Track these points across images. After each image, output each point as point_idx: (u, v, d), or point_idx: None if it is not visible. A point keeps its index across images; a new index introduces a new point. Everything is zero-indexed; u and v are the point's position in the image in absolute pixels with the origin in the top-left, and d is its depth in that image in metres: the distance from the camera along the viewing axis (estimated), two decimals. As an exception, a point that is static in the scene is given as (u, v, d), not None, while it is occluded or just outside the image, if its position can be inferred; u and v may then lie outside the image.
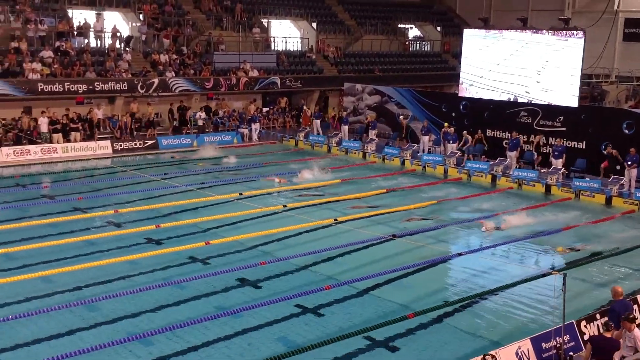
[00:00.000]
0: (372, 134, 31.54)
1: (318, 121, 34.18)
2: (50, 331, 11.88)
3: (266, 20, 42.17)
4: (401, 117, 31.68)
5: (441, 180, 26.09)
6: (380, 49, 45.14)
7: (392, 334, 12.15)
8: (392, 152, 29.30)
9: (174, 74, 33.62)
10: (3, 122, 27.59)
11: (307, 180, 23.92)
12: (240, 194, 21.60)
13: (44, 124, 28.22)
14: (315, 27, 43.24)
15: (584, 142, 25.79)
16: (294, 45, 42.54)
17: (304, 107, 36.86)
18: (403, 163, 28.41)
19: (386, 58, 44.65)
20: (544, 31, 27.59)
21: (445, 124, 29.31)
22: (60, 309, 12.65)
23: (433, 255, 16.28)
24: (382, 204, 21.43)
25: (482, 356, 10.25)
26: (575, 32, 26.53)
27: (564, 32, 26.81)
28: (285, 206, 20.42)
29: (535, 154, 26.68)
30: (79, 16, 34.71)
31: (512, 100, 27.85)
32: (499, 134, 28.18)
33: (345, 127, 32.85)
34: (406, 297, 14.06)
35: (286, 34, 42.67)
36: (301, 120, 36.56)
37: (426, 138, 29.56)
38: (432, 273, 15.58)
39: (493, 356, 10.24)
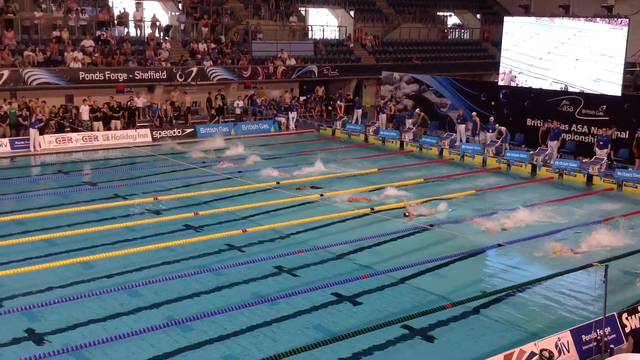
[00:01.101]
0: (409, 122, 31.30)
1: (359, 111, 33.95)
2: (91, 315, 12.09)
3: (304, 9, 42.12)
4: (417, 109, 31.33)
5: (480, 169, 25.82)
6: (419, 37, 44.74)
7: (429, 324, 12.08)
8: (430, 141, 29.06)
9: (212, 63, 33.81)
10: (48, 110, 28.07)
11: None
12: (278, 183, 21.69)
13: (85, 112, 28.67)
14: (353, 16, 43.00)
15: (627, 132, 25.21)
16: (332, 33, 42.40)
17: (338, 102, 36.57)
18: (441, 152, 28.17)
19: (424, 46, 44.24)
20: (591, 19, 27.00)
21: (474, 113, 29.02)
22: (101, 294, 12.87)
23: (471, 246, 16.13)
24: (418, 193, 21.28)
25: (519, 348, 10.15)
26: (619, 20, 25.91)
27: (612, 19, 26.18)
28: (322, 195, 20.42)
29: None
30: (119, 5, 35.10)
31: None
32: (539, 123, 27.69)
33: (383, 116, 32.66)
34: (444, 287, 13.95)
35: (324, 22, 42.56)
36: (337, 108, 36.32)
37: (462, 127, 29.21)
38: (470, 263, 15.43)
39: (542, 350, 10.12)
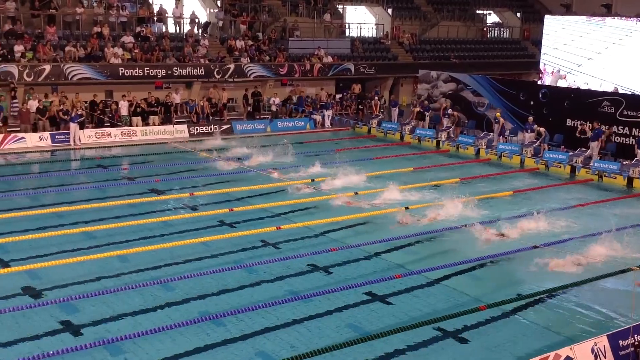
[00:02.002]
0: (446, 122, 31.05)
1: (396, 109, 33.76)
2: (126, 309, 12.25)
3: (341, 6, 42.08)
4: (450, 110, 31.02)
5: (517, 170, 25.50)
6: (457, 35, 44.36)
7: (463, 326, 11.97)
8: (467, 140, 28.79)
9: (249, 60, 33.99)
10: (86, 104, 28.53)
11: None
12: (312, 180, 21.71)
13: (124, 108, 29.06)
14: (390, 13, 42.82)
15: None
16: (369, 31, 42.30)
17: (375, 98, 36.30)
18: (478, 152, 27.90)
19: (463, 45, 43.86)
20: (633, 18, 26.46)
21: (497, 114, 28.70)
22: (136, 288, 13.03)
23: (507, 247, 15.93)
24: (454, 193, 21.08)
25: (554, 352, 9.99)
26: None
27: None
28: (356, 193, 20.36)
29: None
30: (159, 2, 35.50)
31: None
32: (577, 124, 27.21)
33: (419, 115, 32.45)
34: (478, 288, 13.81)
35: (361, 20, 42.46)
36: (372, 106, 36.04)
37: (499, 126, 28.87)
38: (505, 265, 15.24)
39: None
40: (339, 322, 12.05)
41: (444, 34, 44.02)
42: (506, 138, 28.59)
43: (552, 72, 29.14)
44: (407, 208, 18.87)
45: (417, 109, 31.89)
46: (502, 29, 48.89)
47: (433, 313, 12.35)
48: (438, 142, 29.51)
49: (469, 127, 31.49)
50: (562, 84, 28.66)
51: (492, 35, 48.08)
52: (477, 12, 47.90)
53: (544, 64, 30.26)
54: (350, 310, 12.57)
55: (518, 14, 49.19)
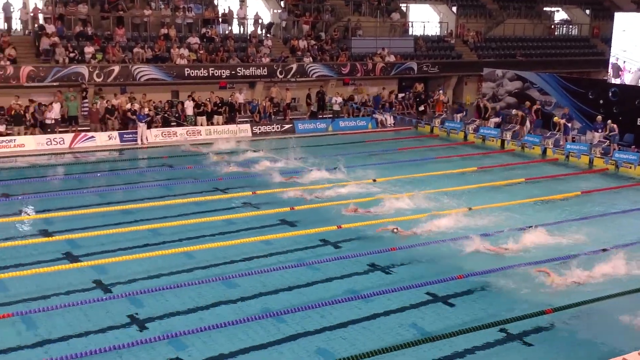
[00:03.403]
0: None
1: (460, 115, 33.25)
2: (190, 304, 12.47)
3: (405, 5, 41.79)
4: (514, 109, 30.22)
5: (586, 170, 24.80)
6: (524, 33, 43.49)
7: (528, 329, 11.72)
8: (533, 140, 28.17)
9: (311, 60, 34.14)
10: (154, 104, 29.20)
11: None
12: (374, 180, 21.64)
13: (189, 108, 29.63)
14: (455, 11, 42.31)
15: None
16: (433, 29, 41.88)
17: (438, 95, 35.88)
18: (544, 152, 27.25)
19: (529, 42, 42.98)
20: None
21: (555, 118, 27.94)
22: (200, 284, 13.27)
23: (576, 250, 15.51)
24: (520, 194, 20.70)
25: (622, 357, 9.70)
26: None
27: None
28: (418, 193, 20.17)
29: None
30: (224, 4, 36.05)
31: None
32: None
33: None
34: (543, 291, 13.46)
35: (425, 18, 42.08)
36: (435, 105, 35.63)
37: (568, 126, 28.12)
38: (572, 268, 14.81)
39: None
40: (400, 322, 11.97)
41: (509, 32, 43.20)
42: (573, 138, 27.83)
43: (630, 70, 28.13)
44: (470, 209, 18.61)
45: (520, 113, 30.50)
46: (570, 26, 47.65)
47: (496, 315, 12.13)
48: (503, 142, 28.96)
49: (535, 126, 30.79)
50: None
51: (560, 33, 46.91)
52: (545, 9, 46.82)
53: (624, 62, 29.30)
54: (411, 310, 12.48)
55: (587, 11, 47.82)
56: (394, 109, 34.33)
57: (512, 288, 13.48)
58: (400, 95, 36.90)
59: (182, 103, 30.02)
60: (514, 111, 30.63)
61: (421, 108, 34.58)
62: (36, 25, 30.20)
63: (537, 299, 12.97)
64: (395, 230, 16.52)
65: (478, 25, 42.76)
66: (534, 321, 11.95)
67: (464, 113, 33.30)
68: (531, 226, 16.93)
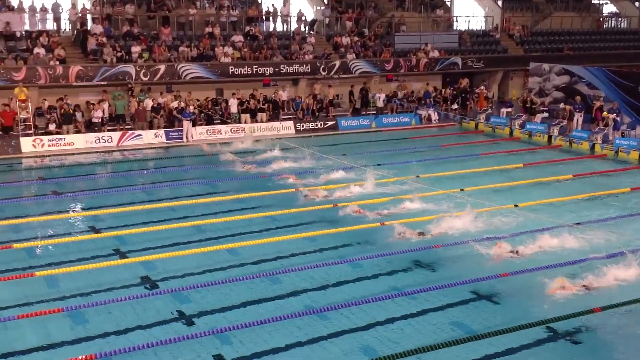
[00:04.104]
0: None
1: (506, 110, 32.77)
2: (234, 300, 12.60)
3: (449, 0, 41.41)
4: (562, 103, 29.52)
5: (635, 166, 24.22)
6: (571, 26, 42.63)
7: (575, 327, 11.52)
8: (581, 135, 27.62)
9: (354, 56, 34.09)
10: (198, 102, 29.57)
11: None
12: (418, 176, 21.51)
13: (233, 105, 29.89)
14: (500, 5, 41.74)
15: None
16: (478, 24, 41.40)
17: (480, 90, 35.38)
18: (592, 147, 26.70)
19: (577, 36, 42.09)
20: None
21: (605, 113, 27.27)
22: (245, 280, 13.39)
23: (624, 247, 15.15)
24: (566, 190, 20.34)
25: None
26: None
27: None
28: (462, 189, 20.02)
29: None
30: (268, 1, 36.29)
31: None
32: None
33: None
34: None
35: (469, 12, 41.61)
36: (477, 103, 35.08)
37: (617, 120, 27.48)
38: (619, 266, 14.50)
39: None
40: (445, 320, 11.90)
41: (557, 25, 42.42)
42: (622, 133, 27.19)
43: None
44: (516, 205, 18.37)
45: (568, 108, 29.94)
46: (619, 19, 46.53)
47: (543, 314, 11.95)
48: (550, 137, 28.46)
49: (583, 121, 30.19)
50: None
51: (609, 26, 45.85)
52: (593, 2, 45.87)
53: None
54: (456, 308, 12.38)
55: (636, 4, 46.63)
56: (437, 105, 33.99)
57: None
58: (444, 91, 36.54)
59: (226, 101, 30.29)
60: (561, 105, 30.08)
61: (454, 106, 33.99)
62: (84, 25, 30.83)
63: (585, 298, 12.74)
64: (420, 233, 16.17)
65: (524, 19, 42.10)
66: (582, 320, 11.73)
67: (511, 108, 32.83)
68: (578, 223, 16.55)
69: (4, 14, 28.99)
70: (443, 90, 35.69)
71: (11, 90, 26.29)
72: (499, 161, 24.33)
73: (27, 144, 25.59)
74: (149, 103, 28.52)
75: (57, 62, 28.06)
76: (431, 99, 33.69)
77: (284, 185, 20.85)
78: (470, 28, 40.37)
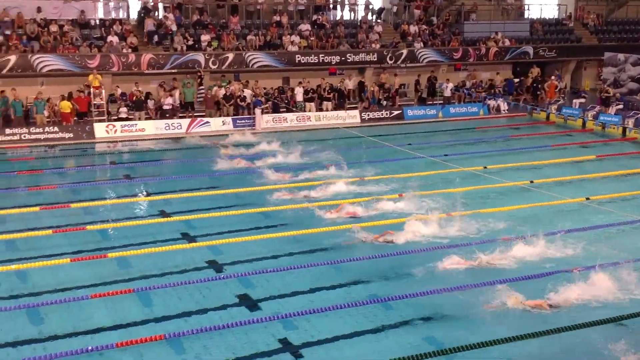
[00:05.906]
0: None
1: (579, 100, 31.80)
2: (299, 286, 12.69)
3: (521, -13, 40.38)
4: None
5: None
6: (648, 15, 41.01)
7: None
8: (658, 128, 26.60)
9: (422, 45, 33.70)
10: (265, 91, 29.84)
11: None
12: (485, 167, 21.16)
13: (299, 94, 30.03)
14: (574, -7, 40.47)
15: None
16: (550, 12, 40.25)
17: (550, 80, 34.32)
18: (670, 141, 25.71)
19: (655, 25, 40.47)
20: None
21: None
22: (309, 267, 13.50)
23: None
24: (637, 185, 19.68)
25: None
26: None
27: None
28: (532, 181, 19.58)
29: None
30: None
31: None
32: None
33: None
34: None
35: (542, 0, 40.49)
36: (546, 94, 34.08)
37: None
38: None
39: None
40: (507, 315, 11.66)
41: (633, 14, 40.86)
42: None
43: None
44: (587, 199, 17.87)
45: (607, 89, 28.96)
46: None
47: (609, 312, 11.61)
48: (624, 130, 27.50)
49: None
50: None
51: (691, 14, 43.85)
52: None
53: None
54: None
55: None
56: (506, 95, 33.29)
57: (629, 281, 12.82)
58: (515, 80, 35.72)
59: (292, 89, 30.45)
60: (637, 97, 29.00)
61: (510, 98, 33.12)
62: (156, 14, 31.50)
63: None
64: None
65: (599, 7, 40.73)
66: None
67: (584, 99, 31.86)
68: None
69: (78, 2, 29.86)
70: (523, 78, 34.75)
71: (86, 77, 27.13)
72: (571, 153, 23.69)
73: (100, 129, 26.39)
74: (219, 91, 28.87)
75: (130, 50, 28.76)
76: (518, 87, 32.88)
77: (345, 175, 20.79)
78: (542, 16, 39.32)
